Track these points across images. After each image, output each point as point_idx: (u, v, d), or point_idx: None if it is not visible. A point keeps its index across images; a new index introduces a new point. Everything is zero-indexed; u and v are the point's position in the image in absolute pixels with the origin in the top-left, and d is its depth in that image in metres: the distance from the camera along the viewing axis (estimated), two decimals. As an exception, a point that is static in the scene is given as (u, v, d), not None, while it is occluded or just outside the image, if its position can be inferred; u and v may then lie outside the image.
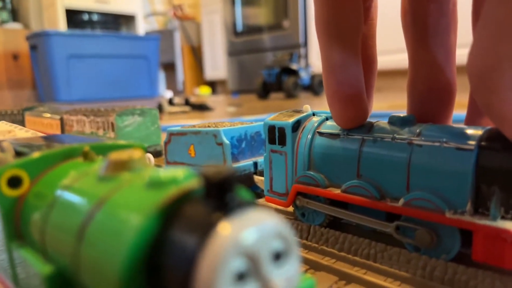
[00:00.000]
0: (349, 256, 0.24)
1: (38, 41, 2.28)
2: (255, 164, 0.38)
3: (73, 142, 0.19)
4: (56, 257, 0.14)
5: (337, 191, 0.26)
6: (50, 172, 0.17)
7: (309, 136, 0.28)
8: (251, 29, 2.97)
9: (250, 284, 0.10)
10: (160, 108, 1.56)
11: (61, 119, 0.64)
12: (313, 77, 2.23)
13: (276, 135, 0.30)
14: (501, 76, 0.17)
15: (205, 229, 0.11)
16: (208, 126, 0.38)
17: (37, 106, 0.85)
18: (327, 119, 0.29)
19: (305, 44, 2.65)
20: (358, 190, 0.25)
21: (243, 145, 0.37)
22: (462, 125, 0.23)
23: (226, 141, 0.36)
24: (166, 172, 0.13)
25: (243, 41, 3.03)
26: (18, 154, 0.18)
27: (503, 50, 0.17)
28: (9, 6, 2.52)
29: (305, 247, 0.27)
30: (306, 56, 2.64)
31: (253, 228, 0.11)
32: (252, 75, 2.80)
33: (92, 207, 0.13)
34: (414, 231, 0.23)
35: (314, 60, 2.41)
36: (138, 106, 0.57)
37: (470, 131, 0.22)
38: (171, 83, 3.40)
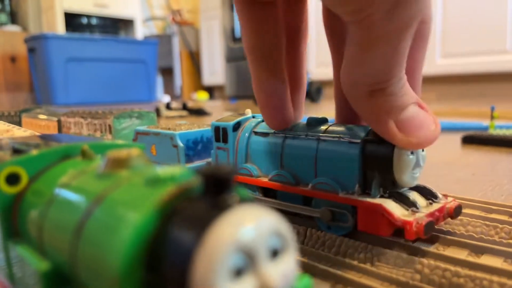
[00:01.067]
0: (346, 260, 0.24)
1: (36, 44, 2.28)
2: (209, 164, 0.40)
3: (72, 141, 0.19)
4: (53, 254, 0.14)
5: (266, 180, 0.31)
6: (49, 169, 0.17)
7: (247, 135, 0.33)
8: (250, 35, 2.98)
9: (247, 280, 0.11)
10: (157, 112, 1.56)
11: (59, 121, 0.64)
12: (310, 84, 2.23)
13: (220, 134, 0.35)
14: (360, 90, 0.23)
15: (203, 226, 0.11)
16: (169, 129, 0.41)
17: (34, 108, 0.85)
18: (263, 121, 0.33)
19: (303, 51, 2.67)
20: (280, 178, 0.30)
21: (199, 147, 0.41)
22: (360, 125, 0.28)
23: (181, 144, 0.39)
24: (165, 170, 0.13)
25: (241, 47, 3.03)
26: (16, 152, 0.18)
27: (357, 72, 0.22)
28: (7, 8, 2.52)
29: (301, 251, 0.27)
30: (304, 63, 2.65)
31: (251, 224, 0.11)
32: (249, 81, 2.80)
33: (90, 204, 0.13)
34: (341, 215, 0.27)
35: (312, 67, 2.42)
36: (136, 109, 0.57)
37: (361, 129, 0.27)
38: (169, 88, 3.40)
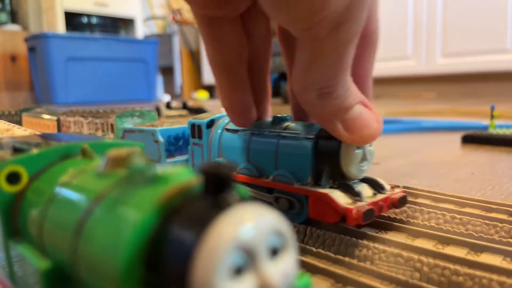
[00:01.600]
0: (346, 259, 0.24)
1: (37, 43, 2.28)
2: None
3: (72, 140, 0.19)
4: (54, 253, 0.14)
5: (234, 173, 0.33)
6: (49, 168, 0.17)
7: (219, 132, 0.36)
8: (250, 35, 2.97)
9: (247, 279, 0.11)
10: (158, 111, 1.56)
11: (58, 120, 0.64)
12: (311, 83, 2.23)
13: (195, 131, 0.37)
14: (310, 94, 0.25)
15: (203, 225, 0.11)
16: (152, 126, 0.43)
17: (34, 107, 0.85)
18: None
19: (303, 50, 2.66)
20: (246, 171, 0.33)
21: (181, 143, 0.42)
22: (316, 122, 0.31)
23: (162, 139, 0.41)
24: (165, 169, 0.13)
25: (241, 46, 3.03)
26: (16, 151, 0.18)
27: (307, 78, 0.24)
28: (8, 7, 2.52)
29: (301, 250, 0.27)
30: (304, 62, 2.65)
31: (251, 223, 0.11)
32: (250, 80, 2.81)
33: (90, 203, 0.13)
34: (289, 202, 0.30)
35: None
36: (137, 108, 0.57)
37: (316, 126, 0.29)
38: (169, 87, 3.40)
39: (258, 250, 0.11)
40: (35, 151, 0.17)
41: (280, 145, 0.31)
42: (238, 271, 0.10)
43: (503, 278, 0.20)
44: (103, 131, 0.56)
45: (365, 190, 0.28)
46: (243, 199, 0.12)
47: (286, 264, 0.11)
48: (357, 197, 0.27)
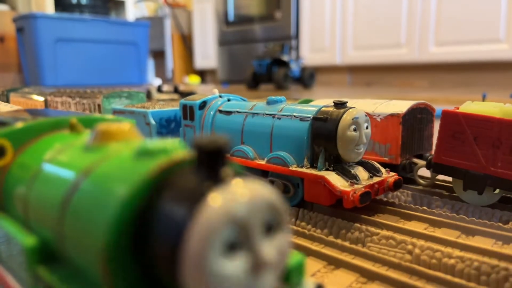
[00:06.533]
0: (338, 241, 0.24)
1: (25, 24, 2.23)
2: None
3: (59, 115, 0.19)
4: (40, 229, 0.14)
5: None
6: (35, 142, 0.16)
7: (212, 113, 0.35)
8: (243, 19, 2.94)
9: (241, 255, 0.10)
10: (148, 95, 1.54)
11: (45, 101, 0.63)
12: (303, 69, 2.22)
13: (187, 112, 0.36)
14: None
15: (196, 199, 0.10)
16: (143, 107, 0.43)
17: (22, 87, 0.83)
18: (229, 100, 0.36)
19: (297, 36, 2.64)
20: (240, 153, 0.33)
21: (172, 125, 0.42)
22: (314, 104, 0.31)
23: (153, 121, 0.40)
24: (156, 142, 0.12)
25: (234, 31, 3.00)
26: (1, 124, 0.18)
27: None
28: (-5, -14, 2.46)
29: (293, 232, 0.27)
30: (297, 48, 2.63)
31: (246, 198, 0.10)
32: (242, 66, 2.78)
33: (77, 177, 0.13)
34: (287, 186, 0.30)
35: (305, 53, 2.40)
36: (125, 89, 0.56)
37: (312, 108, 0.29)
38: (160, 71, 3.36)
39: (252, 226, 0.10)
40: (20, 124, 0.16)
41: (275, 127, 0.30)
42: (232, 247, 0.10)
43: (494, 261, 0.20)
44: (90, 111, 0.55)
45: (361, 173, 0.28)
46: (237, 174, 0.11)
47: (281, 241, 0.11)
48: (354, 180, 0.27)
